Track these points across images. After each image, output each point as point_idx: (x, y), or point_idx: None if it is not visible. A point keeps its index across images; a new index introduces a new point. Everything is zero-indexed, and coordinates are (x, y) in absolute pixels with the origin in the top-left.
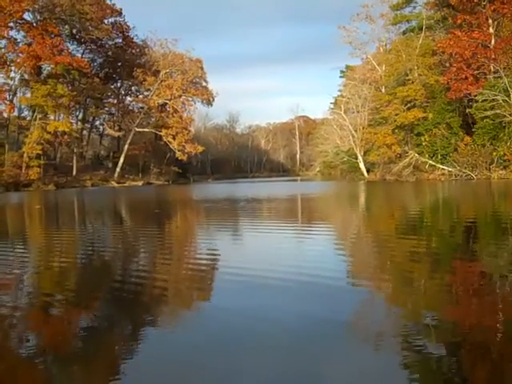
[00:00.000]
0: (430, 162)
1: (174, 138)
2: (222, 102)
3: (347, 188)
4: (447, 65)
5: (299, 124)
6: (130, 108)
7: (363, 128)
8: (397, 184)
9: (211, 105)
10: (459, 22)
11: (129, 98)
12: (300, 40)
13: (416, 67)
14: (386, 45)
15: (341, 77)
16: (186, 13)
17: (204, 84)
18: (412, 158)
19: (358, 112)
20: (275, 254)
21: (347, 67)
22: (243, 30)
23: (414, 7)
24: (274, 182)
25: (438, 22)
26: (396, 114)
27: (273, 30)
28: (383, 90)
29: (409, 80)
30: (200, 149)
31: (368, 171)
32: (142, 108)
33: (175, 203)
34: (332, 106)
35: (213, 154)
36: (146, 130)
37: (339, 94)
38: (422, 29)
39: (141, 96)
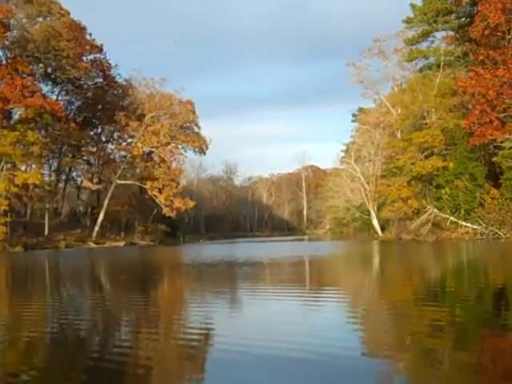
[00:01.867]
0: (452, 218)
1: (160, 192)
2: (218, 150)
3: (358, 249)
4: (469, 107)
5: (306, 175)
6: (112, 157)
7: (376, 179)
8: (414, 244)
9: (204, 153)
10: (482, 58)
11: (110, 146)
12: (308, 79)
13: (434, 109)
14: (400, 84)
15: (353, 121)
16: (177, 48)
17: (196, 130)
18: (431, 213)
19: (370, 161)
20: (278, 327)
21: (360, 110)
22: (242, 68)
23: (432, 41)
24: (278, 242)
25: (458, 58)
26: (412, 163)
27: (276, 69)
28: (399, 136)
29: (426, 124)
30: (191, 204)
31: (383, 229)
32: (124, 157)
33: (162, 267)
34: (343, 153)
35: (207, 210)
36: (129, 182)
37: (351, 140)
38: (440, 66)
39: (124, 143)
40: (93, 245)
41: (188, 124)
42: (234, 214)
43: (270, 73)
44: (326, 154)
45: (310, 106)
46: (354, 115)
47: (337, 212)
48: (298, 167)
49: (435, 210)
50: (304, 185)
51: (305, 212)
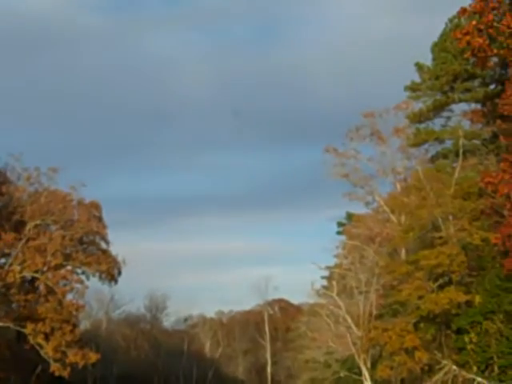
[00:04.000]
0: (480, 379)
1: (47, 339)
2: (138, 277)
3: None
4: (504, 213)
5: (272, 314)
6: None
7: (370, 321)
8: None
9: (115, 281)
10: None
11: None
12: (273, 172)
13: (451, 217)
14: (404, 179)
15: (338, 233)
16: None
17: (103, 246)
18: (449, 372)
19: (361, 293)
20: None
21: (348, 216)
22: (176, 155)
23: (448, 118)
24: None
25: (486, 142)
26: (420, 297)
27: (226, 158)
28: (403, 255)
29: (440, 238)
30: (93, 358)
31: None
32: None
33: None
34: (324, 282)
35: (121, 367)
36: None
37: (336, 261)
38: (459, 153)
39: None
40: None
41: (91, 237)
42: (162, 373)
43: (216, 163)
44: (300, 282)
45: (276, 210)
46: (340, 224)
47: (316, 370)
48: (258, 302)
49: (455, 366)
50: (267, 329)
51: (269, 369)
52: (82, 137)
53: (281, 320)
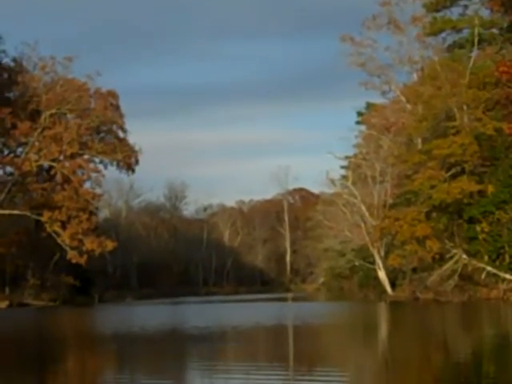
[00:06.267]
0: (490, 268)
1: (64, 227)
2: (158, 166)
3: (358, 316)
4: None
5: (292, 203)
6: None
7: (384, 210)
8: (435, 307)
9: (133, 170)
10: None
11: None
12: (290, 63)
13: (465, 107)
14: (422, 68)
15: (357, 122)
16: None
17: (120, 135)
18: (459, 261)
19: (377, 183)
20: None
21: (368, 106)
22: (193, 47)
23: (466, 6)
24: (246, 303)
25: (503, 31)
26: (432, 187)
27: (243, 49)
28: (418, 146)
29: (453, 128)
30: (109, 245)
31: (393, 284)
32: (10, 175)
33: (65, 341)
34: (343, 171)
35: (141, 255)
36: (16, 212)
37: (356, 151)
38: (476, 43)
39: (9, 154)
40: None
41: (108, 127)
42: (181, 261)
43: (233, 54)
44: (320, 171)
45: (295, 102)
46: (359, 114)
47: (334, 258)
48: (278, 192)
49: (465, 255)
50: (287, 218)
51: (288, 258)
52: (99, 25)
53: (301, 209)
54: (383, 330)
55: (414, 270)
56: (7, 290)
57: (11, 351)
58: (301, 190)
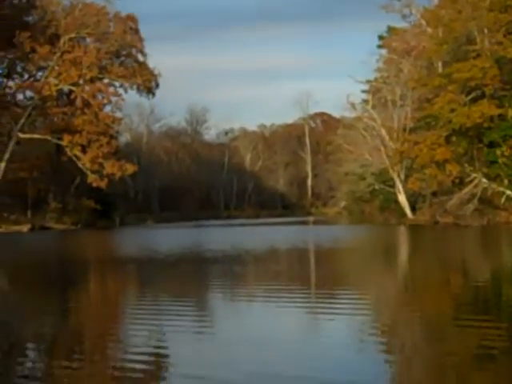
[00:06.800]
0: (510, 192)
1: (84, 151)
2: (179, 90)
3: (378, 238)
4: None
5: (314, 127)
6: (10, 99)
7: (404, 134)
8: (454, 230)
9: (153, 94)
10: None
11: (8, 83)
12: None
13: (486, 30)
14: None
15: (379, 46)
16: None
17: (140, 59)
18: (478, 184)
19: (398, 107)
20: (267, 353)
21: (389, 30)
22: None
23: None
24: (268, 226)
25: None
26: (452, 110)
27: None
28: (440, 69)
29: (473, 52)
30: (130, 169)
31: (414, 208)
32: (30, 99)
33: (89, 262)
34: (364, 95)
35: (163, 179)
36: (36, 136)
37: (376, 76)
38: None
39: (29, 79)
40: None
41: (127, 50)
42: (203, 185)
43: None
44: (341, 95)
45: (317, 25)
46: (380, 38)
47: (355, 182)
48: (300, 116)
49: (485, 179)
50: (308, 142)
51: (309, 182)
52: None
53: (322, 133)
54: (403, 252)
55: (434, 194)
56: (29, 213)
57: (34, 273)
58: (322, 114)
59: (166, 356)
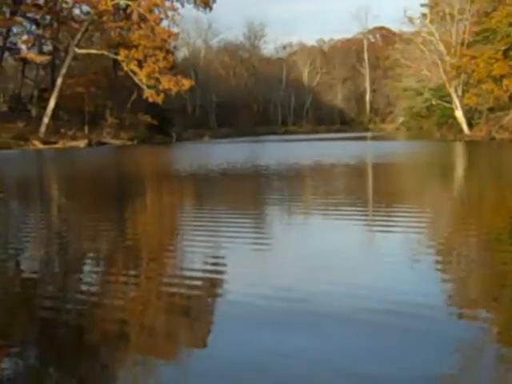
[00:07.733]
0: None
1: (140, 66)
2: (237, 4)
3: (434, 154)
4: None
5: (373, 42)
6: (67, 14)
7: (462, 48)
8: (511, 147)
9: (210, 8)
10: None
11: None
12: None
13: None
14: None
15: None
16: None
17: None
18: None
19: (456, 21)
20: (322, 269)
21: None
22: None
23: None
24: (325, 142)
25: None
26: (510, 24)
27: None
28: None
29: None
30: (186, 84)
31: (470, 124)
32: (87, 14)
33: (146, 177)
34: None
35: (220, 95)
36: (93, 51)
37: None
38: None
39: None
40: (39, 145)
41: None
42: (260, 101)
43: None
44: (400, 10)
45: None
46: None
47: (412, 98)
48: (358, 30)
49: None
50: (367, 57)
51: (367, 98)
52: None
53: (381, 48)
54: (460, 168)
55: (491, 110)
56: (86, 129)
57: (92, 188)
58: (381, 28)
59: (223, 272)
